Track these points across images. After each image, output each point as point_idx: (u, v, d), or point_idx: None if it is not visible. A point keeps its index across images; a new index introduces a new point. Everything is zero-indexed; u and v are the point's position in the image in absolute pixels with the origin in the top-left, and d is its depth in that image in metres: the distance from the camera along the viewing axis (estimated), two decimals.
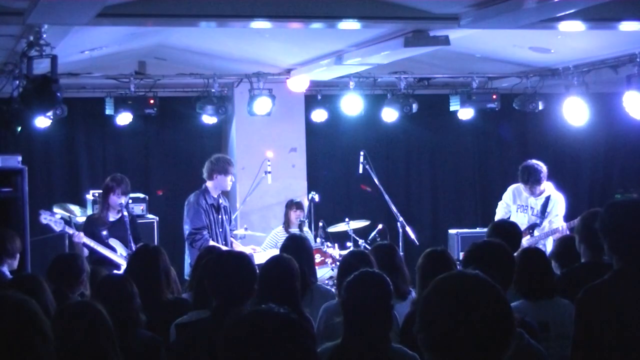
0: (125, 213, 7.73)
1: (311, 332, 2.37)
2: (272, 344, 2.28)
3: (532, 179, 8.29)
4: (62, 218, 7.88)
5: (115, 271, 6.98)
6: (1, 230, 6.40)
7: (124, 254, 7.48)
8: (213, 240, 7.88)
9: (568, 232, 7.65)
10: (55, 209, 8.89)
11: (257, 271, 4.24)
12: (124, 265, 7.24)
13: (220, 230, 8.07)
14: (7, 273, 6.09)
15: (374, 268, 4.89)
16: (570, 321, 3.86)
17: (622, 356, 3.45)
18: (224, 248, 7.60)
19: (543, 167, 8.34)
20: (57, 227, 7.52)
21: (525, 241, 7.87)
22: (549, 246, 7.87)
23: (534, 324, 4.33)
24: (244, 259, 4.13)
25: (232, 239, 8.43)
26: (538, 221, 8.29)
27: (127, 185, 7.71)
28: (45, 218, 7.49)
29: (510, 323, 2.29)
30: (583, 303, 3.56)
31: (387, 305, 3.79)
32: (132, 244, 7.54)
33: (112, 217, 7.68)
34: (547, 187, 8.44)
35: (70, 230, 7.53)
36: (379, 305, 3.75)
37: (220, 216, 8.08)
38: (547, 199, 8.33)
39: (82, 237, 7.42)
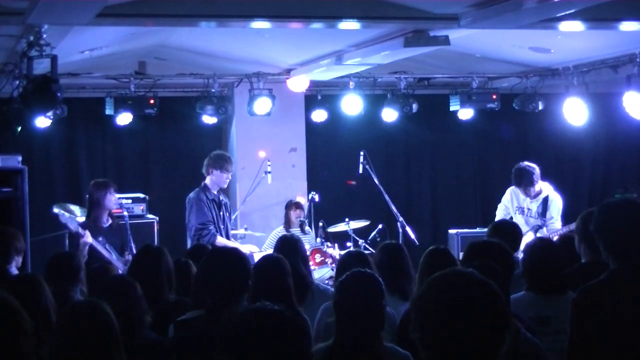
0: (125, 213, 7.71)
1: (306, 329, 2.40)
2: (266, 341, 2.31)
3: (525, 182, 8.27)
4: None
5: None
6: (10, 230, 6.37)
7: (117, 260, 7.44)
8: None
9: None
10: (56, 209, 8.86)
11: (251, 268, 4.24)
12: (119, 269, 7.19)
13: (222, 226, 8.06)
14: (15, 270, 6.09)
15: (372, 268, 4.89)
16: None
17: (618, 356, 3.44)
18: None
19: (535, 168, 8.31)
20: (72, 227, 7.42)
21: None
22: None
23: (526, 319, 4.31)
24: (237, 255, 4.13)
25: (232, 238, 8.42)
26: (540, 222, 8.26)
27: (111, 182, 7.67)
28: (63, 216, 7.42)
29: (506, 320, 2.29)
30: (579, 304, 3.55)
31: (379, 304, 3.80)
32: (133, 245, 7.52)
33: (104, 223, 7.59)
34: (545, 188, 8.41)
35: (80, 230, 7.44)
36: (370, 304, 3.76)
37: (221, 212, 8.07)
38: (546, 199, 8.31)
39: (90, 238, 7.26)
